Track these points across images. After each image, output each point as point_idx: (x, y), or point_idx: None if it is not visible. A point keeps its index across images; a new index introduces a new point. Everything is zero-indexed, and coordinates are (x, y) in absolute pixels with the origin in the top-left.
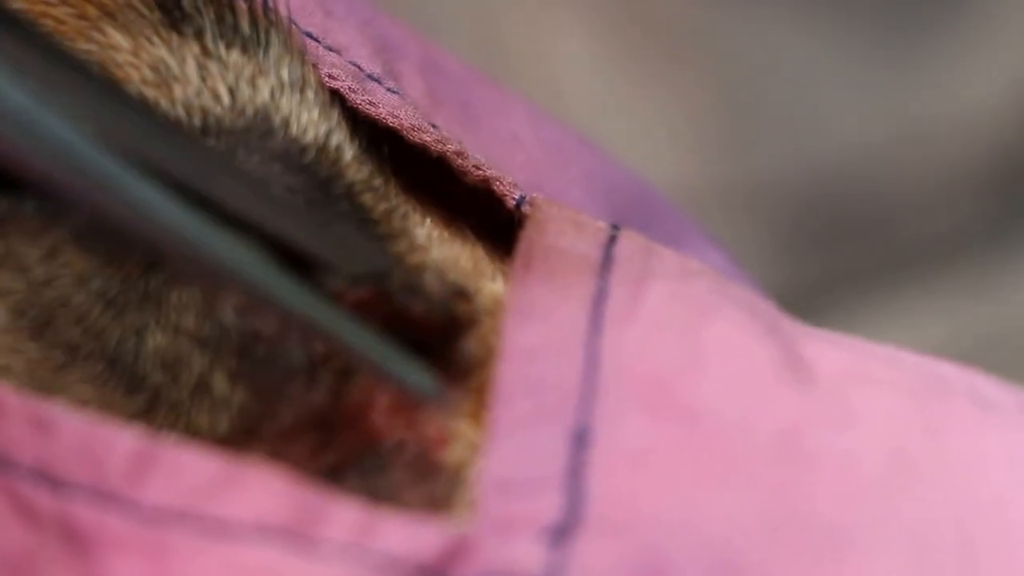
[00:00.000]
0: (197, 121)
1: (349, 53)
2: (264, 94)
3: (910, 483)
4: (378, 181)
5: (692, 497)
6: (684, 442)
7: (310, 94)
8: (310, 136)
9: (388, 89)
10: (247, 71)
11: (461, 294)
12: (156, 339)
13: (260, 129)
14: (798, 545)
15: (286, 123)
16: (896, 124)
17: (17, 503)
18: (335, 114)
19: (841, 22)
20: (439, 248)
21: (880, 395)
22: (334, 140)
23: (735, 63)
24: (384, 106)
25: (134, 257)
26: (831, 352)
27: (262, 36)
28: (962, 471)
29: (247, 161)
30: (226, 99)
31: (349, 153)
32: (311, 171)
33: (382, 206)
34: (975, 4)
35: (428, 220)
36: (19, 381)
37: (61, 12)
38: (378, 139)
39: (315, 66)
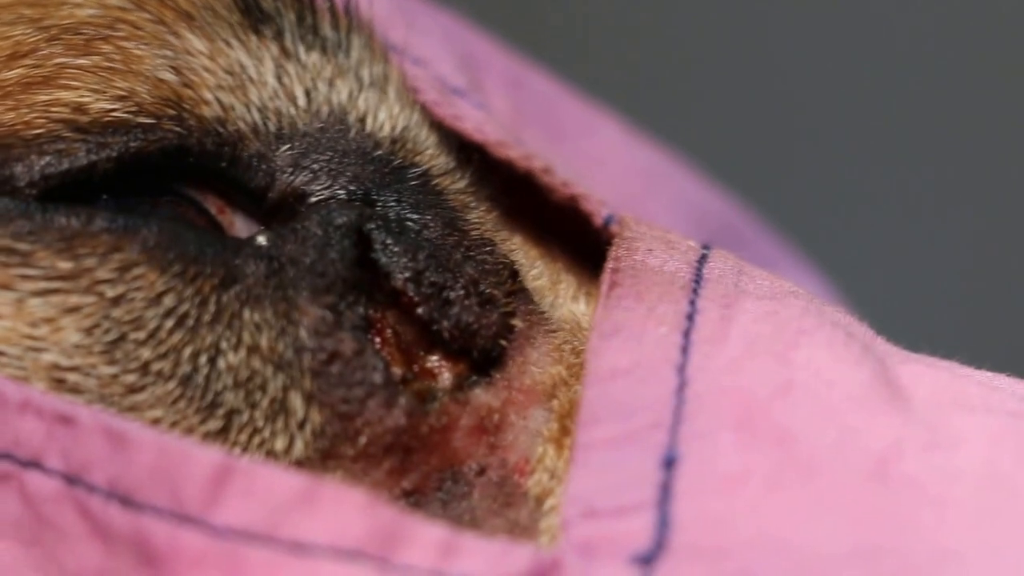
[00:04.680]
0: (273, 125)
1: (433, 66)
2: (342, 95)
3: (1009, 506)
4: (461, 174)
5: (787, 522)
6: (778, 466)
7: (391, 92)
8: (386, 130)
9: (473, 104)
10: (326, 72)
11: (523, 298)
12: (230, 359)
13: (335, 128)
14: (897, 569)
15: (362, 120)
16: None
17: (93, 522)
18: (417, 109)
19: None
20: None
21: (977, 418)
22: (413, 132)
23: None
24: (470, 120)
25: (206, 272)
26: (927, 375)
27: (343, 38)
28: None
29: (317, 160)
30: (302, 100)
31: (428, 143)
32: (384, 160)
33: (458, 191)
34: None
35: (517, 237)
36: (90, 401)
37: (137, 17)
38: (467, 153)
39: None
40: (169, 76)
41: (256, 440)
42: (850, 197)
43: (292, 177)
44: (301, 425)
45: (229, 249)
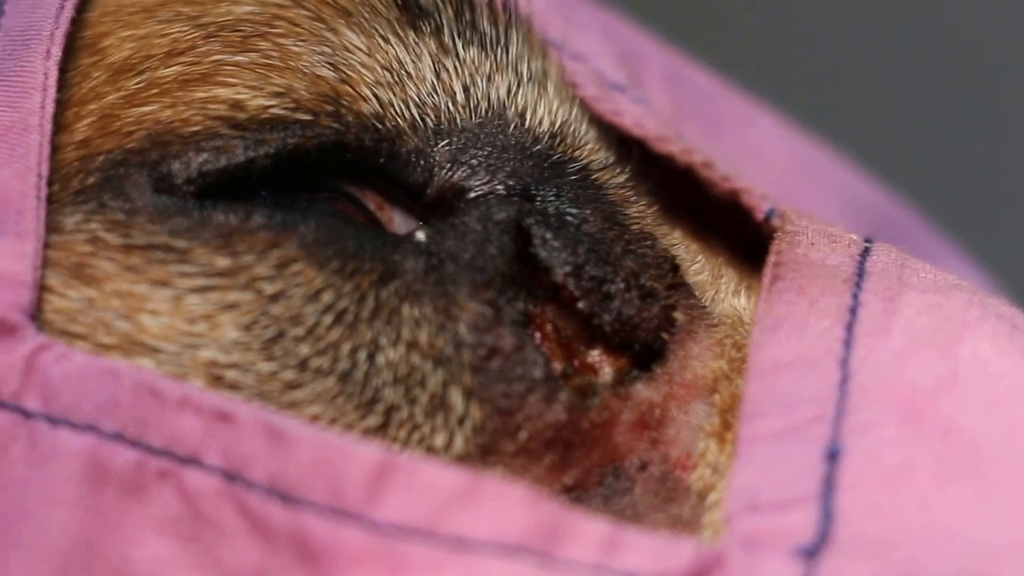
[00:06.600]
0: (431, 121)
1: (592, 61)
2: (501, 90)
3: None
4: (621, 169)
5: (954, 513)
6: (943, 458)
7: (550, 87)
8: (545, 125)
9: (632, 99)
10: (484, 68)
11: (683, 292)
12: (389, 355)
13: (493, 124)
14: None
15: (521, 115)
16: None
17: (252, 519)
18: (576, 104)
19: None
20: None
21: None
22: (572, 127)
23: None
24: (629, 115)
25: (365, 268)
26: None
27: (502, 33)
28: None
29: (476, 155)
30: (460, 96)
31: (587, 137)
32: (542, 155)
33: (618, 186)
34: None
35: (677, 231)
36: (248, 398)
37: (294, 14)
38: (626, 148)
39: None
40: (327, 72)
41: (416, 436)
42: (1011, 189)
43: (451, 173)
44: (461, 421)
45: (388, 245)
